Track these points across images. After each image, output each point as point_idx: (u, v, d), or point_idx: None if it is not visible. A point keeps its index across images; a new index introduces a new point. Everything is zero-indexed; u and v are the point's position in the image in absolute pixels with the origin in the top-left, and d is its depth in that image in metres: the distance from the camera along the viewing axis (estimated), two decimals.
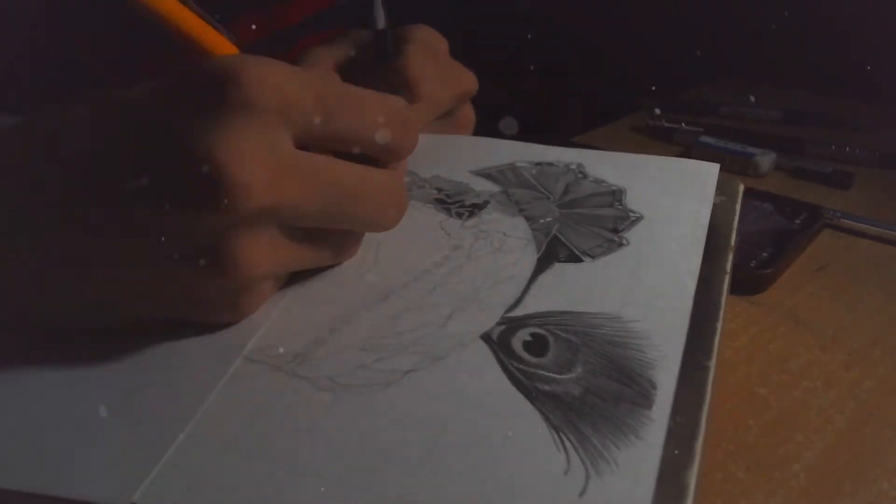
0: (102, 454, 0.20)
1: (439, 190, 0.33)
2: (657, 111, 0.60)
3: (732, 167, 0.51)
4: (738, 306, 0.35)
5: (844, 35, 0.62)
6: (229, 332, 0.25)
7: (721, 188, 0.35)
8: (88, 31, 0.39)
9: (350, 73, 0.36)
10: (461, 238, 0.30)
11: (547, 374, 0.24)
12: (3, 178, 0.24)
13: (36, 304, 0.24)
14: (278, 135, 0.22)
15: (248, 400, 0.22)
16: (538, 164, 0.37)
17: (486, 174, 0.36)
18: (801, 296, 0.36)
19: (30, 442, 0.21)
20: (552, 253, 0.30)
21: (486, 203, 0.33)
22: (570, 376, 0.23)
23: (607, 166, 0.36)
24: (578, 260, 0.29)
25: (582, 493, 0.19)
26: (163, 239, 0.22)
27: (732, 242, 0.31)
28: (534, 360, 0.24)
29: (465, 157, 0.37)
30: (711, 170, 0.35)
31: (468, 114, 0.42)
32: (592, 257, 0.29)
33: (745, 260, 0.37)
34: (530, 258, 0.29)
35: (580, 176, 0.36)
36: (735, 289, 0.35)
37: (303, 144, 0.23)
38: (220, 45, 0.28)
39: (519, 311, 0.26)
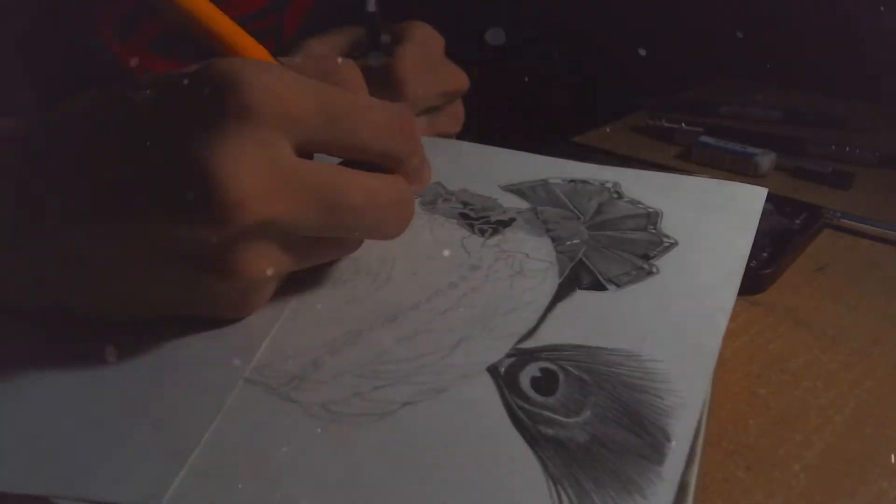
0: (125, 458, 0.20)
1: (465, 204, 0.32)
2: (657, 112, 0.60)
3: (732, 167, 0.51)
4: (738, 306, 0.34)
5: (845, 35, 0.62)
6: (234, 343, 0.24)
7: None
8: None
9: None
10: (480, 258, 0.29)
11: (553, 416, 0.22)
12: (11, 178, 0.24)
13: (47, 294, 0.24)
14: (277, 144, 0.22)
15: (241, 425, 0.21)
16: (572, 181, 0.35)
17: (516, 189, 0.34)
18: (801, 296, 0.36)
19: (50, 445, 0.20)
20: (575, 279, 0.28)
21: (511, 220, 0.31)
22: (576, 420, 0.22)
23: (645, 186, 0.34)
24: (602, 288, 0.27)
25: None
26: (164, 243, 0.22)
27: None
28: (540, 399, 0.22)
29: (497, 170, 0.35)
30: (758, 194, 0.32)
31: (458, 111, 0.42)
32: (618, 286, 0.27)
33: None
34: (551, 283, 0.28)
35: (615, 196, 0.34)
36: None
37: (304, 152, 0.23)
38: (251, 47, 0.27)
39: (531, 343, 0.25)
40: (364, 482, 0.19)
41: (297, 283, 0.26)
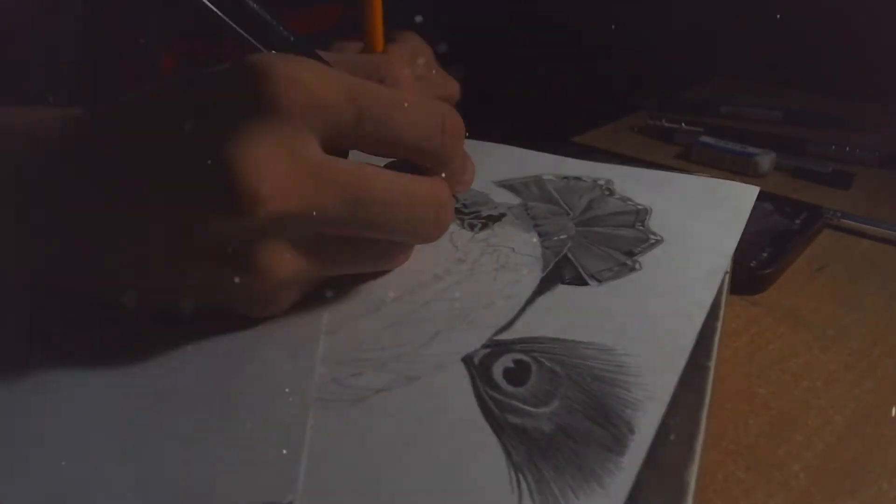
0: (237, 460, 0.20)
1: (457, 199, 0.32)
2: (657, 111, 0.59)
3: (732, 167, 0.51)
4: (738, 306, 0.35)
5: (845, 35, 0.62)
6: (290, 340, 0.24)
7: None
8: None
9: None
10: (467, 252, 0.30)
11: (521, 405, 0.22)
12: (54, 160, 0.24)
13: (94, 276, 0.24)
14: (303, 138, 0.22)
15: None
16: (565, 178, 0.36)
17: (509, 185, 0.35)
18: (802, 296, 0.36)
19: (152, 456, 0.20)
20: (558, 273, 0.28)
21: (502, 216, 0.32)
22: (544, 410, 0.22)
23: (638, 183, 0.35)
24: (584, 283, 0.28)
25: None
26: (191, 234, 0.22)
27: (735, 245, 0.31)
28: (511, 389, 0.23)
29: (492, 166, 0.36)
30: (749, 193, 0.33)
31: None
32: (599, 281, 0.28)
33: (745, 260, 0.37)
34: (533, 278, 0.28)
35: (606, 193, 0.34)
36: (735, 289, 0.35)
37: (334, 147, 0.23)
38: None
39: (508, 335, 0.25)
40: (329, 466, 0.20)
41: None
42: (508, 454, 0.20)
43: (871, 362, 0.31)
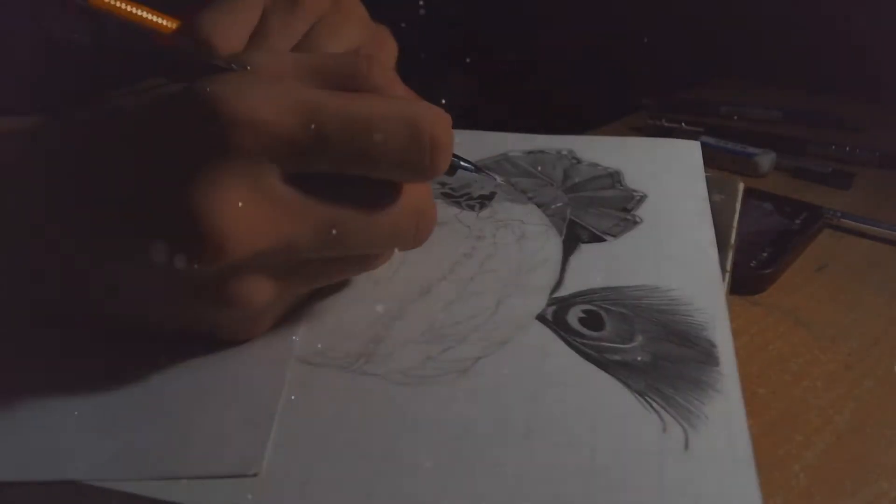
0: (208, 435, 0.21)
1: (442, 184, 0.33)
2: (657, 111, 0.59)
3: (733, 167, 0.51)
4: (738, 306, 0.35)
5: (845, 35, 0.62)
6: (271, 338, 0.25)
7: (721, 187, 0.36)
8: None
9: None
10: (481, 229, 0.31)
11: (612, 345, 0.24)
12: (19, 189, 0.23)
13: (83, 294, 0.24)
14: (264, 174, 0.20)
15: (322, 402, 0.22)
16: (530, 152, 0.37)
17: (482, 166, 0.36)
18: (802, 296, 0.36)
19: (126, 435, 0.21)
20: (574, 235, 0.30)
21: (493, 194, 0.34)
22: (634, 345, 0.24)
23: (597, 150, 0.37)
24: (601, 240, 0.30)
25: (686, 447, 0.20)
26: (161, 270, 0.21)
27: (732, 241, 0.32)
28: (595, 334, 0.25)
29: (457, 151, 0.37)
30: (693, 147, 0.37)
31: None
32: (614, 236, 0.30)
33: (745, 260, 0.37)
34: (555, 242, 0.30)
35: (574, 161, 0.37)
36: (735, 289, 0.35)
37: (300, 175, 0.21)
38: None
39: (563, 292, 0.27)
40: (478, 430, 0.21)
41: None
42: (627, 385, 0.22)
43: (871, 362, 0.31)
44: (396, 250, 0.27)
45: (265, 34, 0.29)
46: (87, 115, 0.23)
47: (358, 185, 0.22)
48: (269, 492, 0.19)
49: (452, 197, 0.32)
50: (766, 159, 0.50)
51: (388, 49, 0.34)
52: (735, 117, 0.61)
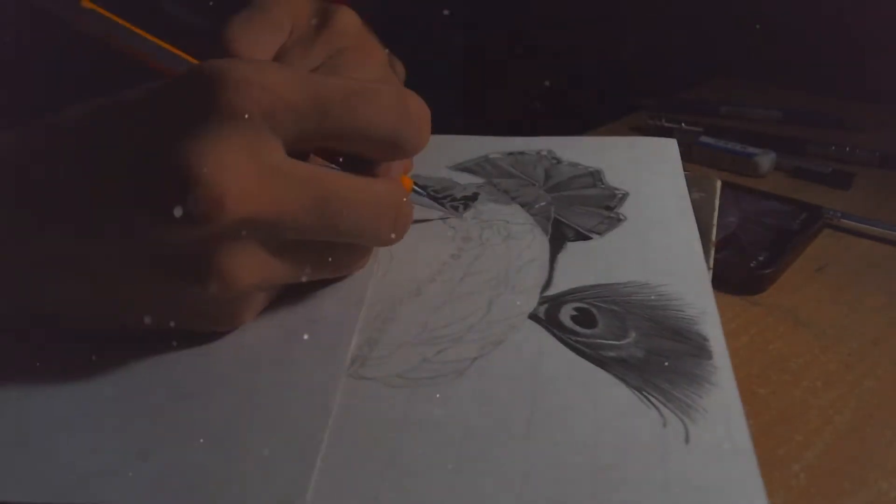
0: (253, 466, 0.20)
1: (424, 187, 0.33)
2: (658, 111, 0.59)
3: (732, 167, 0.51)
4: (737, 307, 0.35)
5: (845, 35, 0.62)
6: (319, 359, 0.24)
7: (699, 185, 0.36)
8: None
9: None
10: (467, 230, 0.31)
11: (606, 342, 0.24)
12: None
13: (34, 304, 0.24)
14: (264, 141, 0.21)
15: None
16: (510, 153, 0.38)
17: (464, 168, 0.36)
18: (801, 296, 0.36)
19: (170, 462, 0.20)
20: (560, 234, 0.31)
21: (476, 195, 0.34)
22: (627, 341, 0.24)
23: (576, 150, 0.38)
24: (587, 238, 0.30)
25: (687, 441, 0.20)
26: (147, 246, 0.21)
27: (713, 238, 0.32)
28: (588, 331, 0.25)
29: (438, 154, 0.37)
30: (670, 145, 0.37)
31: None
32: (600, 234, 0.31)
33: (745, 260, 0.37)
34: (542, 241, 0.30)
35: (554, 161, 0.37)
36: (735, 289, 0.35)
37: (298, 148, 0.22)
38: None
39: (553, 290, 0.27)
40: (482, 430, 0.21)
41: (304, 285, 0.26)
42: (624, 381, 0.22)
43: (871, 362, 0.31)
44: (373, 258, 0.28)
45: (285, 56, 0.30)
46: (82, 107, 0.23)
47: (350, 170, 0.23)
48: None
49: (435, 199, 0.32)
50: (765, 159, 0.50)
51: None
52: (735, 117, 0.61)
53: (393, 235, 0.25)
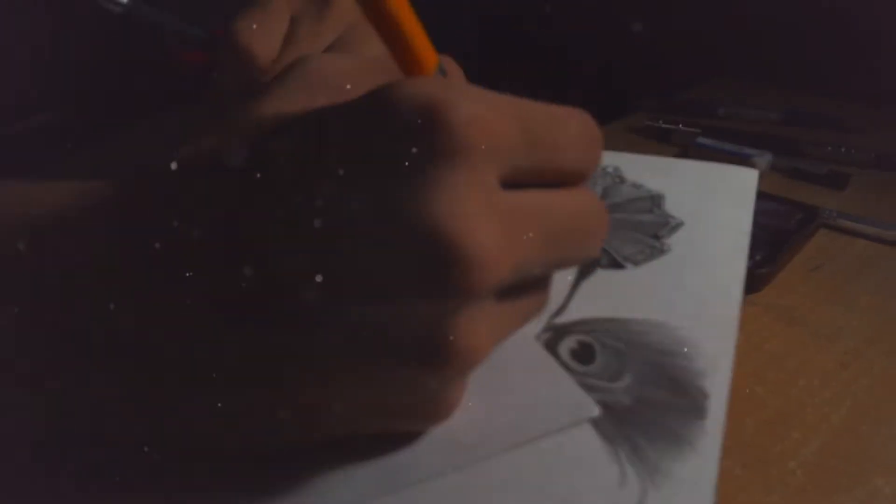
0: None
1: None
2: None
3: None
4: None
5: (842, 36, 0.62)
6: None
7: None
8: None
9: None
10: None
11: (596, 382, 0.23)
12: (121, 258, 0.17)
13: (224, 431, 0.19)
14: (492, 182, 0.17)
15: None
16: None
17: None
18: (797, 295, 0.36)
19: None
20: (593, 259, 0.29)
21: None
22: (619, 385, 0.23)
23: (644, 170, 0.36)
24: (621, 266, 0.29)
25: None
26: (375, 329, 0.16)
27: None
28: (582, 368, 0.24)
29: None
30: (751, 176, 0.35)
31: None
32: (635, 264, 0.29)
33: None
34: None
35: (617, 180, 0.36)
36: None
37: (507, 185, 0.19)
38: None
39: (563, 318, 0.26)
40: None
41: None
42: (598, 428, 0.21)
43: (867, 361, 0.31)
44: None
45: (296, 41, 0.29)
46: (186, 151, 0.18)
47: (554, 192, 0.20)
48: None
49: None
50: (762, 160, 0.50)
51: None
52: (732, 118, 0.61)
53: (600, 248, 0.22)
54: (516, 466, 0.20)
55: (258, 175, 0.17)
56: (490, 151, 0.17)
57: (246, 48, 0.28)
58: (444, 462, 0.20)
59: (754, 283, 0.37)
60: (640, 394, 0.23)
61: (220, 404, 0.18)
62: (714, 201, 0.33)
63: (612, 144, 0.56)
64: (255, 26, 0.29)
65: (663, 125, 0.58)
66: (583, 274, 0.28)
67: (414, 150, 0.16)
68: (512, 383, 0.22)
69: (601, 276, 0.28)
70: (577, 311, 0.26)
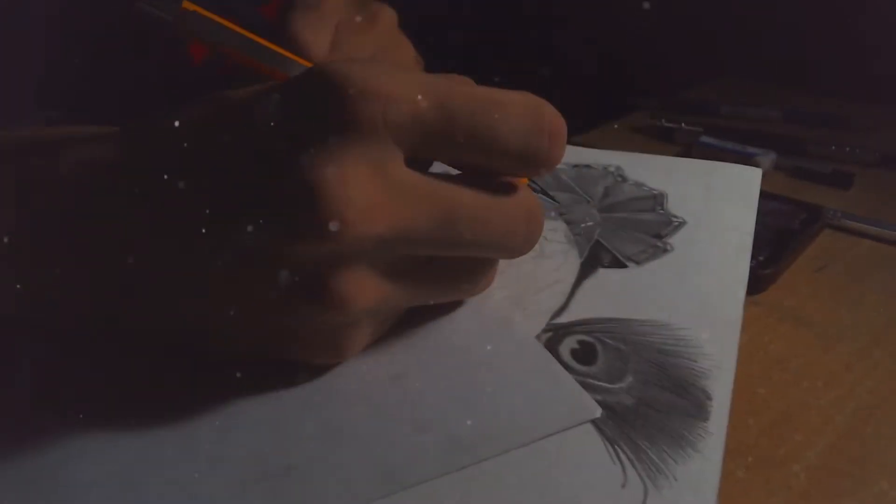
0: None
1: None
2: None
3: None
4: None
5: (845, 35, 0.62)
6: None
7: None
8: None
9: None
10: None
11: (597, 383, 0.23)
12: (99, 185, 0.22)
13: (158, 319, 0.22)
14: (387, 153, 0.19)
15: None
16: (576, 165, 0.36)
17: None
18: (802, 296, 0.36)
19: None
20: (596, 258, 0.29)
21: None
22: (620, 386, 0.23)
23: (647, 169, 0.36)
24: (623, 266, 0.29)
25: None
26: (263, 260, 0.20)
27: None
28: (583, 368, 0.23)
29: None
30: (754, 175, 0.34)
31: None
32: (637, 263, 0.29)
33: None
34: (573, 263, 0.29)
35: (619, 179, 0.35)
36: None
37: (421, 159, 0.21)
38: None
39: (564, 318, 0.26)
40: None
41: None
42: (600, 429, 0.21)
43: (872, 362, 0.31)
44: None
45: (345, 49, 0.30)
46: (188, 109, 0.22)
47: (474, 177, 0.21)
48: None
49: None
50: (766, 159, 0.50)
51: None
52: (735, 117, 0.61)
53: (523, 247, 0.23)
54: (517, 468, 0.20)
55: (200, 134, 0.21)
56: (391, 126, 0.19)
57: (304, 46, 0.29)
58: (445, 463, 0.19)
59: (758, 283, 0.36)
60: (642, 395, 0.22)
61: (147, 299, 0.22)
62: (717, 201, 0.33)
63: (615, 143, 0.56)
64: (310, 27, 0.30)
65: (666, 124, 0.57)
66: (584, 273, 0.28)
67: (313, 119, 0.19)
68: (512, 384, 0.22)
69: (603, 276, 0.28)
70: (579, 310, 0.26)
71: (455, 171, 0.22)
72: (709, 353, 0.24)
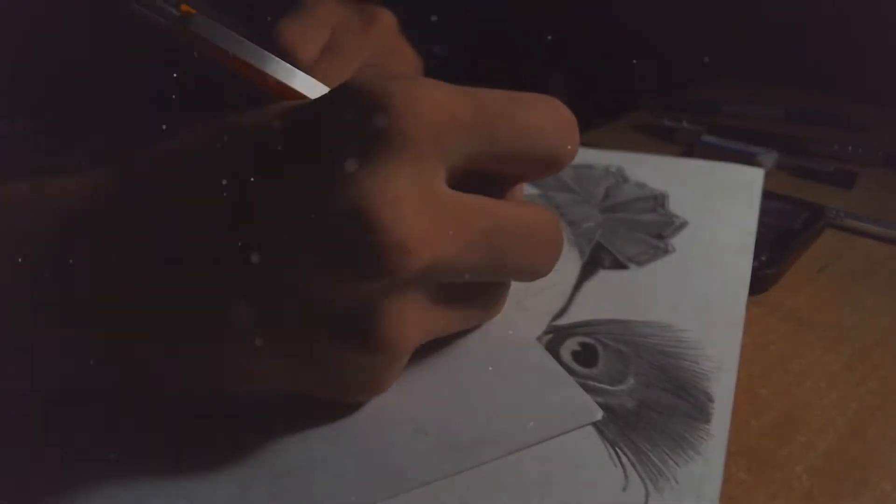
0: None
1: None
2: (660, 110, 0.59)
3: None
4: None
5: (848, 34, 0.61)
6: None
7: None
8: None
9: None
10: None
11: (598, 385, 0.23)
12: (100, 233, 0.19)
13: (158, 376, 0.20)
14: (434, 171, 0.18)
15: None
16: (576, 166, 0.36)
17: None
18: (804, 296, 0.36)
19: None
20: (596, 260, 0.29)
21: None
22: (622, 388, 0.23)
23: (648, 170, 0.36)
24: (624, 267, 0.29)
25: None
26: (301, 305, 0.18)
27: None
28: (584, 370, 0.23)
29: None
30: (756, 175, 0.35)
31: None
32: (638, 264, 0.29)
33: None
34: (574, 265, 0.29)
35: (620, 180, 0.35)
36: None
37: (460, 177, 0.19)
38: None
39: (565, 320, 0.26)
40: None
41: None
42: (601, 432, 0.21)
43: (874, 363, 0.31)
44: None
45: (339, 51, 0.30)
46: (195, 130, 0.20)
47: (504, 201, 0.20)
48: None
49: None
50: (768, 158, 0.50)
51: None
52: (737, 116, 0.61)
53: (549, 266, 0.22)
54: (518, 470, 0.20)
55: (221, 162, 0.18)
56: (431, 139, 0.17)
57: (289, 48, 0.29)
58: (447, 465, 0.19)
59: (760, 283, 0.36)
60: (643, 397, 0.22)
61: (156, 353, 0.19)
62: (719, 200, 0.33)
63: (616, 142, 0.56)
64: (299, 27, 0.30)
65: (667, 123, 0.57)
66: (585, 275, 0.28)
67: (353, 139, 0.17)
68: (514, 386, 0.22)
69: (604, 277, 0.28)
70: (580, 312, 0.26)
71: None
72: (710, 355, 0.24)
